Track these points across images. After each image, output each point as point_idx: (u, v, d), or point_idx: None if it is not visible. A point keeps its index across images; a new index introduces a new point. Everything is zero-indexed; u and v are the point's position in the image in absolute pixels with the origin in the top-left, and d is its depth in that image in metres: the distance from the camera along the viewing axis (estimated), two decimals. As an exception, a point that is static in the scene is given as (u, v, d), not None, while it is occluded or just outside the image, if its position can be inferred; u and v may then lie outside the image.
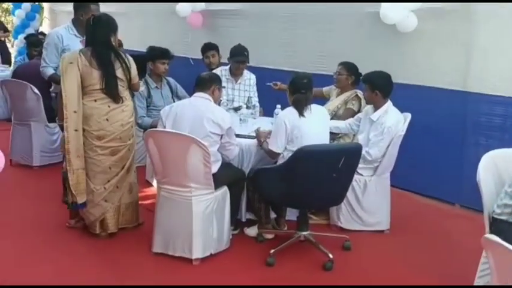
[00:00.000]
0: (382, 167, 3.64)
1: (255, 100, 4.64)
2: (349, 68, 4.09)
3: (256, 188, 3.42)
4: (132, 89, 3.51)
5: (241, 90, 4.58)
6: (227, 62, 4.61)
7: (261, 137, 3.54)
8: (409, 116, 3.66)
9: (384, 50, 4.57)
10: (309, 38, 5.24)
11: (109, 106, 3.27)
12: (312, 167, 3.06)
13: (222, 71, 4.49)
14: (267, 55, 5.46)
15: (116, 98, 3.27)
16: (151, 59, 4.54)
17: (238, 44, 4.45)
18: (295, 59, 5.29)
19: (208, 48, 5.02)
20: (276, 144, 3.33)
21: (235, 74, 4.52)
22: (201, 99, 3.29)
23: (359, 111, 4.02)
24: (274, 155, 3.38)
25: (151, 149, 3.20)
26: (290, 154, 3.18)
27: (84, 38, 3.49)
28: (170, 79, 4.79)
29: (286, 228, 3.65)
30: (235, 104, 4.52)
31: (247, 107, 4.32)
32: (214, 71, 4.48)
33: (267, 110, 4.49)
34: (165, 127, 3.27)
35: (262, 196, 3.43)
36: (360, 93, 4.07)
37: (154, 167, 3.30)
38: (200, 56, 5.23)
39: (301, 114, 3.29)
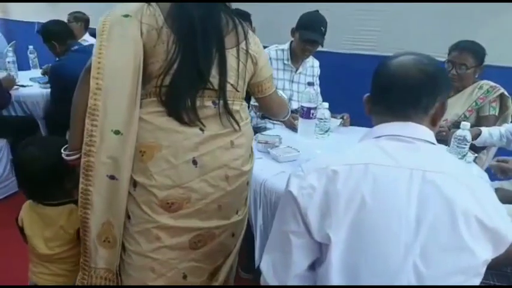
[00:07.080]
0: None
1: (317, 99, 3.23)
2: (478, 53, 2.58)
3: None
4: (265, 108, 1.78)
5: (301, 84, 3.11)
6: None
7: None
8: None
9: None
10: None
11: (202, 130, 1.44)
12: None
13: (277, 52, 3.02)
14: (282, 30, 3.26)
15: (184, 118, 1.40)
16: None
17: (315, 12, 2.84)
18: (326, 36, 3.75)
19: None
20: None
21: (299, 58, 3.02)
22: (426, 150, 1.13)
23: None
24: None
25: None
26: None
27: None
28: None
29: None
30: (294, 105, 3.06)
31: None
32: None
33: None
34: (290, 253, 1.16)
35: None
36: (501, 90, 2.60)
37: None
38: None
39: None
